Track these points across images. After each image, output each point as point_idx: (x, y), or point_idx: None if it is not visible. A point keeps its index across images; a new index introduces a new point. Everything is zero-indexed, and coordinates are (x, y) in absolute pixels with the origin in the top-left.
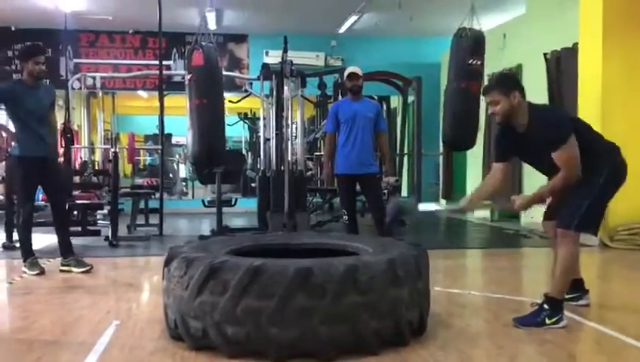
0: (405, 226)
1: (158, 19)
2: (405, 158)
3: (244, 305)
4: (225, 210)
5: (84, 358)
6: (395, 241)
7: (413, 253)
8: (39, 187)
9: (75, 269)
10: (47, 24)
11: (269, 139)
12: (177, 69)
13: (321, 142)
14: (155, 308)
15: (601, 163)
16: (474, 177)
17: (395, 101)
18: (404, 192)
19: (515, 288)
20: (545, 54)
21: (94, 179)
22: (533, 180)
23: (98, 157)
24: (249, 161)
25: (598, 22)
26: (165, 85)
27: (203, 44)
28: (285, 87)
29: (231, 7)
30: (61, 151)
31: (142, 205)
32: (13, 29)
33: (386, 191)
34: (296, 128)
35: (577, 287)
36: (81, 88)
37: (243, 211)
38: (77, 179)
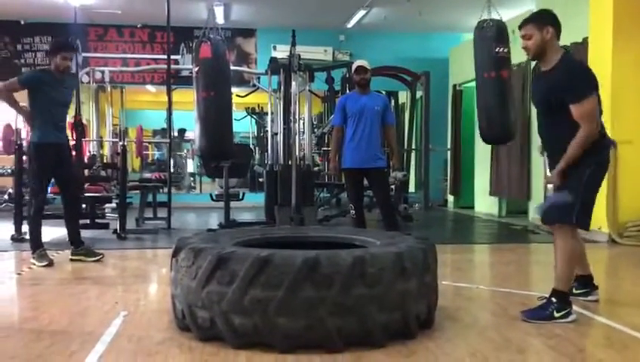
0: (413, 221)
1: (166, 14)
2: (413, 154)
3: (252, 295)
4: (232, 204)
5: (92, 348)
6: (403, 235)
7: (421, 246)
8: (52, 179)
9: (86, 259)
10: (57, 18)
11: (276, 134)
12: (185, 63)
13: (329, 136)
14: (163, 299)
15: (594, 151)
16: (482, 172)
17: (404, 96)
18: (412, 187)
19: (523, 282)
20: None
21: (103, 172)
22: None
23: (106, 151)
24: (257, 155)
25: (609, 16)
26: (173, 80)
27: (211, 36)
28: (293, 82)
29: (239, 1)
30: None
31: (150, 199)
32: (22, 22)
33: (393, 187)
34: (304, 123)
35: (587, 283)
36: (90, 82)
37: (250, 206)
38: (86, 172)
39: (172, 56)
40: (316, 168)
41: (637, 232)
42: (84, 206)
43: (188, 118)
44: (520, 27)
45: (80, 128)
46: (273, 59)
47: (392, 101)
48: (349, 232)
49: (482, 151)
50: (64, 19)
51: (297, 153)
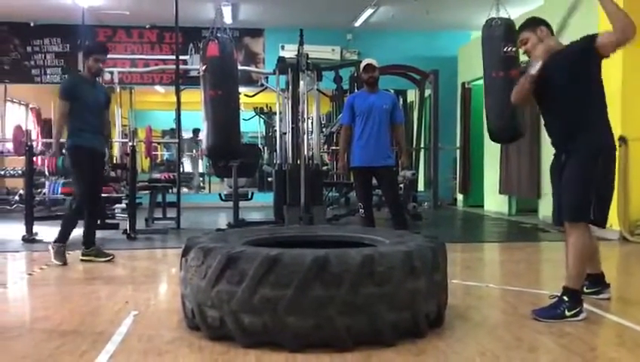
0: (422, 220)
1: (174, 14)
2: (422, 152)
3: (261, 294)
4: (241, 203)
5: (103, 347)
6: (412, 234)
7: (431, 245)
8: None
9: (96, 259)
10: (66, 19)
11: (285, 134)
12: (194, 63)
13: (337, 136)
14: (173, 298)
15: (599, 142)
16: (491, 170)
17: (412, 95)
18: (421, 186)
19: (533, 281)
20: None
21: (112, 173)
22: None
23: (116, 151)
24: (265, 155)
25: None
26: (182, 80)
27: (218, 35)
28: (301, 81)
29: (246, 1)
30: None
31: (159, 199)
32: (32, 24)
33: (402, 185)
34: (312, 122)
35: (598, 281)
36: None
37: (259, 205)
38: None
39: (180, 57)
40: (325, 167)
41: None
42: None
43: (197, 118)
44: (517, 38)
45: None
46: (281, 59)
47: (401, 100)
48: (358, 231)
49: (492, 150)
50: (73, 20)
51: (306, 152)
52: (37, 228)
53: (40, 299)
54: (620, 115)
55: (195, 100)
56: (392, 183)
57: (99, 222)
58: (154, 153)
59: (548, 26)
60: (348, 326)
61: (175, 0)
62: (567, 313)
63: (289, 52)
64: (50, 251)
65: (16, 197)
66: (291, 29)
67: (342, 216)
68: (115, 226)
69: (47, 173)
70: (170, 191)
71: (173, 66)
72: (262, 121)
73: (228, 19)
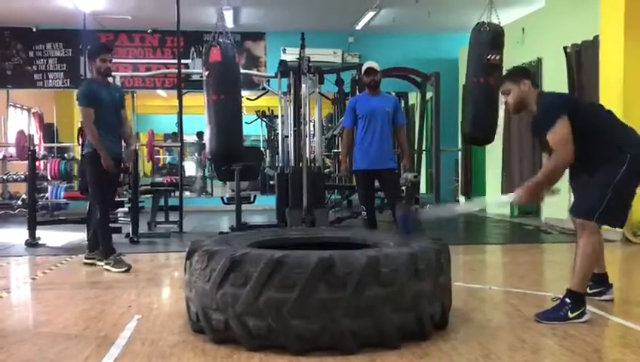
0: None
1: (176, 18)
2: (424, 155)
3: (266, 296)
4: (244, 207)
5: (107, 351)
6: (416, 236)
7: (435, 247)
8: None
9: (99, 264)
10: (68, 24)
11: (287, 137)
12: (195, 67)
13: (339, 138)
14: (176, 302)
15: (623, 151)
16: (493, 173)
17: (414, 97)
18: (423, 188)
19: (536, 283)
20: (565, 48)
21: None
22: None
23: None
24: (267, 158)
25: (620, 13)
26: (184, 84)
27: (220, 40)
28: (303, 84)
29: (248, 5)
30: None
31: (162, 202)
32: (34, 29)
33: (404, 188)
34: (314, 125)
35: (601, 282)
36: None
37: (262, 208)
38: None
39: (182, 61)
40: (327, 170)
41: None
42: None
43: (198, 122)
44: (498, 86)
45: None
46: (283, 62)
47: (402, 102)
48: (362, 233)
49: (493, 152)
50: (75, 25)
51: (308, 155)
52: (40, 232)
53: (43, 304)
54: (622, 114)
55: (197, 104)
56: (394, 186)
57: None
58: (156, 157)
59: (531, 78)
60: (352, 328)
61: (177, 4)
62: (570, 314)
63: (290, 55)
64: (107, 268)
65: (19, 202)
66: (293, 32)
67: (344, 218)
68: (118, 230)
69: (49, 177)
70: (172, 194)
71: (175, 70)
72: (264, 124)
73: (229, 23)
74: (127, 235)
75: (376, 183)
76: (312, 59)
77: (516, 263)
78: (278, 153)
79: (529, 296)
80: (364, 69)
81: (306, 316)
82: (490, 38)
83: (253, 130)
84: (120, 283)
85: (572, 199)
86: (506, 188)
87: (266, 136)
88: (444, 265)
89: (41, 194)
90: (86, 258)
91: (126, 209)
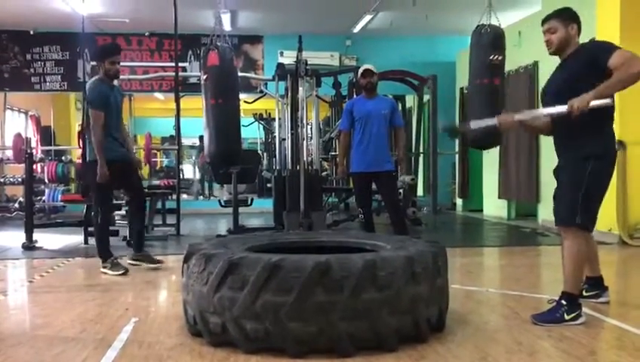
0: (422, 225)
1: (173, 22)
2: (421, 157)
3: (263, 300)
4: (241, 209)
5: (104, 354)
6: (413, 239)
7: (432, 249)
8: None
9: (145, 264)
10: (65, 27)
11: (284, 140)
12: (193, 70)
13: (336, 141)
14: (173, 305)
15: (600, 148)
16: (490, 175)
17: (411, 100)
18: (421, 191)
19: (533, 285)
20: None
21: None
22: (551, 166)
23: None
24: (265, 161)
25: (616, 18)
26: (181, 87)
27: (218, 44)
28: (300, 87)
29: (245, 8)
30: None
31: (159, 205)
32: (31, 32)
33: (401, 190)
34: (312, 128)
35: (597, 285)
36: None
37: (259, 211)
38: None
39: (180, 64)
40: (324, 173)
41: None
42: (92, 214)
43: (196, 125)
44: (544, 20)
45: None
46: (280, 65)
47: (400, 105)
48: (359, 236)
49: (490, 155)
50: (72, 28)
51: (305, 158)
52: (37, 235)
53: (40, 306)
54: (619, 120)
55: (194, 107)
56: (391, 188)
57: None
58: (153, 160)
59: (580, 23)
60: (350, 331)
61: (174, 7)
62: (566, 316)
63: (288, 58)
64: (105, 271)
65: (16, 205)
66: (290, 35)
67: (341, 221)
68: (115, 233)
69: (46, 180)
70: (169, 197)
71: (173, 73)
72: (261, 127)
73: (227, 26)
74: (124, 238)
75: (374, 186)
76: (309, 62)
77: (513, 266)
78: (275, 156)
79: (526, 298)
80: (360, 71)
81: (303, 319)
82: (491, 40)
83: (250, 132)
84: (117, 285)
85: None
86: (503, 191)
87: (264, 139)
88: (441, 267)
89: (39, 197)
90: (132, 258)
91: (123, 212)
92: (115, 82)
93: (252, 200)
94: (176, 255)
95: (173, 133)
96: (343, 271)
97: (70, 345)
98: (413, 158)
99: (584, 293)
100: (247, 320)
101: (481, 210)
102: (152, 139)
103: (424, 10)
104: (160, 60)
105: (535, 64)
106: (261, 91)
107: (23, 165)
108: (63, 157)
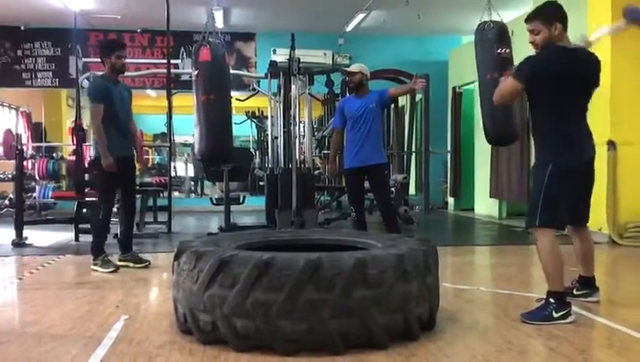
0: (413, 224)
1: (166, 18)
2: (413, 156)
3: (254, 298)
4: (233, 207)
5: (93, 351)
6: (404, 237)
7: (422, 248)
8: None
9: (134, 265)
10: (57, 23)
11: (276, 138)
12: (185, 67)
13: (329, 139)
14: (164, 302)
15: (552, 153)
16: (482, 174)
17: (403, 99)
18: (412, 190)
19: (523, 284)
20: None
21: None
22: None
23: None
24: (257, 159)
25: (607, 17)
26: (173, 84)
27: (210, 40)
28: (293, 85)
29: (238, 5)
30: (72, 149)
31: (150, 203)
32: (22, 28)
33: (393, 189)
34: (304, 126)
35: (588, 284)
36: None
37: (251, 209)
38: (86, 176)
39: (172, 61)
40: (316, 171)
41: (637, 233)
42: (84, 211)
43: (188, 123)
44: (527, 20)
45: (81, 133)
46: (273, 63)
47: (392, 104)
48: (351, 235)
49: (482, 154)
50: (64, 24)
51: (298, 156)
52: (27, 232)
53: (30, 304)
54: (609, 119)
55: (186, 104)
56: (383, 183)
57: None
58: (145, 157)
59: (564, 19)
60: (340, 329)
61: (166, 4)
62: (554, 314)
63: (281, 56)
64: (96, 269)
65: (6, 201)
66: (283, 33)
67: (334, 219)
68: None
69: (37, 177)
70: (161, 195)
71: (165, 70)
72: (254, 125)
73: (220, 23)
74: (116, 236)
75: (366, 185)
76: (302, 60)
77: (504, 264)
78: (267, 154)
79: (516, 297)
80: (349, 70)
81: (293, 317)
82: (496, 34)
83: (243, 130)
84: (108, 283)
85: None
86: (494, 191)
87: (256, 137)
88: (432, 266)
89: (29, 194)
90: (120, 259)
91: (115, 209)
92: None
93: (244, 198)
94: (167, 252)
95: (165, 130)
96: (333, 269)
97: (59, 342)
98: (405, 157)
99: (575, 292)
100: (238, 317)
101: (473, 209)
102: (143, 136)
103: (417, 9)
104: (152, 57)
105: None
106: (254, 89)
107: (13, 161)
108: (54, 154)
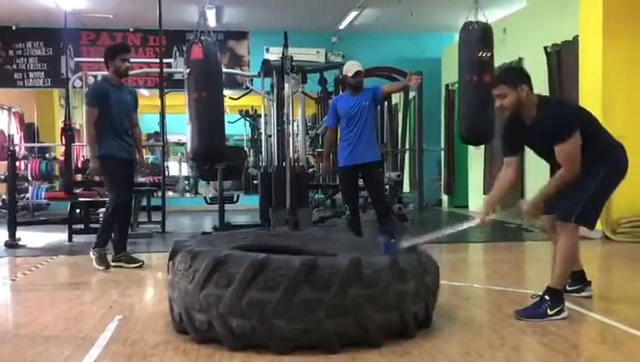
0: (407, 221)
1: (158, 17)
2: (407, 154)
3: (249, 297)
4: (227, 207)
5: (87, 352)
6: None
7: (419, 257)
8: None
9: (127, 265)
10: (48, 23)
11: (270, 136)
12: (178, 66)
13: (323, 138)
14: (158, 302)
15: (604, 157)
16: (475, 171)
17: (396, 97)
18: (406, 188)
19: (517, 280)
20: (545, 48)
21: (96, 177)
22: (536, 178)
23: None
24: (251, 158)
25: (599, 14)
26: (166, 83)
27: (202, 38)
28: (286, 84)
29: (231, 4)
30: (62, 149)
31: (144, 203)
32: (14, 28)
33: (387, 186)
34: (298, 124)
35: (579, 279)
36: (82, 87)
37: (245, 208)
38: (79, 177)
39: (164, 60)
40: (310, 170)
41: (630, 228)
42: (77, 211)
43: (181, 122)
44: (492, 87)
45: (70, 133)
46: (266, 61)
47: (386, 102)
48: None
49: (476, 151)
50: (56, 24)
51: (291, 155)
52: (20, 233)
53: (23, 305)
54: (601, 115)
55: (179, 103)
56: (377, 180)
57: (83, 226)
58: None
59: (529, 81)
60: (336, 328)
61: (159, 3)
62: (549, 311)
63: (274, 54)
64: (92, 257)
65: None
66: (276, 31)
67: (328, 218)
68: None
69: (30, 177)
70: (154, 194)
71: (157, 69)
72: (247, 123)
73: (212, 22)
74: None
75: (361, 183)
76: (295, 59)
77: (498, 261)
78: (261, 153)
79: (510, 293)
80: (353, 71)
81: (289, 317)
82: (479, 36)
83: (236, 129)
84: (101, 283)
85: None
86: (489, 188)
87: (250, 136)
88: (429, 269)
89: (22, 195)
90: (113, 260)
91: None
92: (101, 78)
93: (238, 197)
94: (161, 252)
95: (158, 129)
96: (329, 269)
97: (53, 343)
98: (399, 155)
99: (567, 287)
100: (233, 317)
101: (467, 206)
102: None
103: (409, 7)
104: (144, 56)
105: (520, 60)
106: (247, 87)
107: (5, 162)
108: (47, 155)
